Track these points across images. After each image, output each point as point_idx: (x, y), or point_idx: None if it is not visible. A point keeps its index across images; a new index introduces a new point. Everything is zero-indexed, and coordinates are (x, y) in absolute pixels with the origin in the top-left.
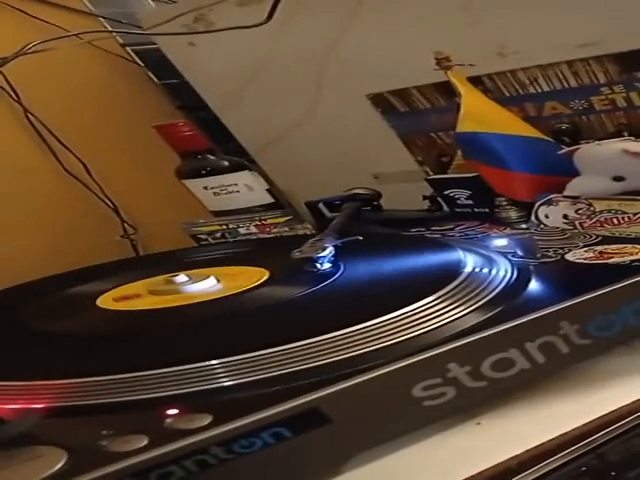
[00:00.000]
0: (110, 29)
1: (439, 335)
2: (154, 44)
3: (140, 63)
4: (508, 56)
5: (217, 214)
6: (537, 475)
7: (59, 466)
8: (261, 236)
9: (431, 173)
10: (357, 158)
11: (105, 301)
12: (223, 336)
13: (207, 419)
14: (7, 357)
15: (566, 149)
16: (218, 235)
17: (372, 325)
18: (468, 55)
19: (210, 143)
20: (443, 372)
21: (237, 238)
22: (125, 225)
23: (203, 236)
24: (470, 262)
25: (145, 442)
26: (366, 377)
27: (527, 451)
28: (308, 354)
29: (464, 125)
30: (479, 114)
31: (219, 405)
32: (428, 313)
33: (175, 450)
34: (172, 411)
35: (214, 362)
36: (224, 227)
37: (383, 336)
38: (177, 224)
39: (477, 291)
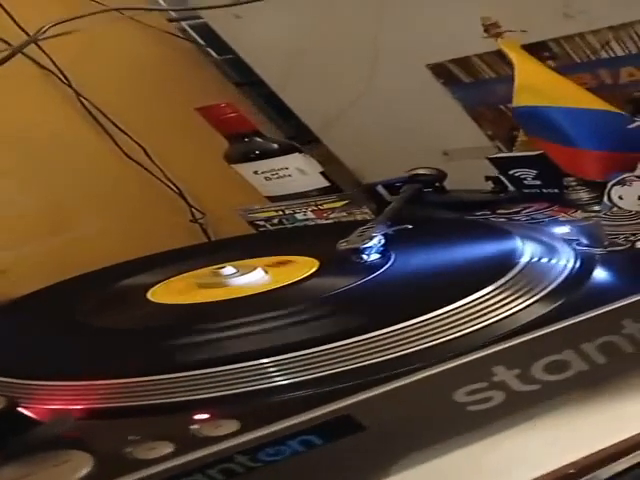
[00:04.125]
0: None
1: (484, 336)
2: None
3: (199, 39)
4: (575, 17)
5: (272, 199)
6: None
7: (84, 473)
8: (319, 222)
9: (503, 148)
10: (425, 134)
11: (156, 294)
12: (255, 338)
13: (235, 426)
14: (40, 355)
15: (637, 122)
16: (275, 221)
17: (408, 326)
18: (531, 16)
19: (255, 125)
20: (488, 376)
21: (295, 224)
22: (192, 210)
23: (261, 222)
24: (527, 252)
25: (170, 449)
26: (400, 383)
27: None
28: (340, 357)
29: (520, 98)
30: (536, 86)
31: (247, 411)
32: (473, 312)
33: (199, 459)
34: (199, 416)
35: (242, 365)
36: (280, 213)
37: (420, 338)
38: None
39: (531, 286)
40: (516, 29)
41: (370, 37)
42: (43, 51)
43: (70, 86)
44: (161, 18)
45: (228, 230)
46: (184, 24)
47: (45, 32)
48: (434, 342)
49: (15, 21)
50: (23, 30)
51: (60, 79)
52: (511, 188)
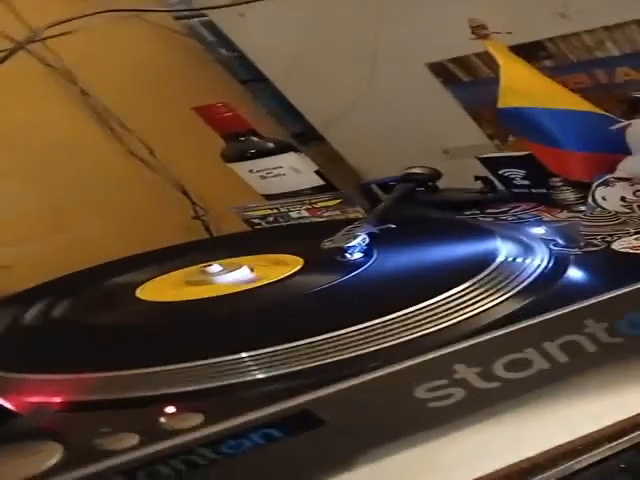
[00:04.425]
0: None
1: (446, 335)
2: None
3: (207, 36)
4: (571, 17)
5: (268, 197)
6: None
7: (53, 463)
8: (313, 220)
9: (503, 147)
10: (426, 133)
11: (145, 291)
12: (226, 335)
13: (199, 419)
14: (19, 348)
15: (617, 124)
16: (271, 219)
17: (374, 325)
18: (527, 16)
19: (251, 124)
20: (449, 374)
21: (290, 222)
22: (196, 207)
23: (256, 220)
24: (503, 252)
25: (136, 441)
26: (360, 380)
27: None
28: (304, 354)
29: (506, 99)
30: (522, 87)
31: (212, 405)
32: (439, 311)
33: (162, 450)
34: (167, 410)
35: (210, 361)
36: (275, 211)
37: (386, 335)
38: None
39: (502, 285)
40: (512, 28)
41: (370, 37)
42: (48, 49)
43: (76, 84)
44: (167, 16)
45: (230, 227)
46: (192, 21)
47: (49, 30)
48: (397, 340)
49: (20, 19)
50: (28, 28)
51: (65, 78)
52: (501, 188)
